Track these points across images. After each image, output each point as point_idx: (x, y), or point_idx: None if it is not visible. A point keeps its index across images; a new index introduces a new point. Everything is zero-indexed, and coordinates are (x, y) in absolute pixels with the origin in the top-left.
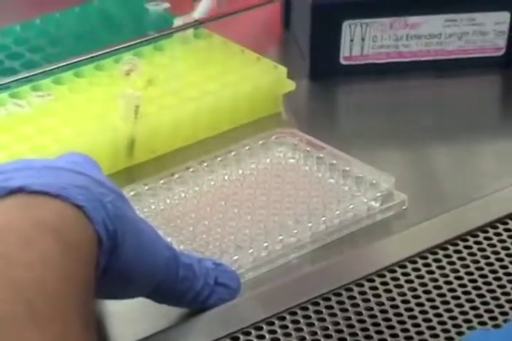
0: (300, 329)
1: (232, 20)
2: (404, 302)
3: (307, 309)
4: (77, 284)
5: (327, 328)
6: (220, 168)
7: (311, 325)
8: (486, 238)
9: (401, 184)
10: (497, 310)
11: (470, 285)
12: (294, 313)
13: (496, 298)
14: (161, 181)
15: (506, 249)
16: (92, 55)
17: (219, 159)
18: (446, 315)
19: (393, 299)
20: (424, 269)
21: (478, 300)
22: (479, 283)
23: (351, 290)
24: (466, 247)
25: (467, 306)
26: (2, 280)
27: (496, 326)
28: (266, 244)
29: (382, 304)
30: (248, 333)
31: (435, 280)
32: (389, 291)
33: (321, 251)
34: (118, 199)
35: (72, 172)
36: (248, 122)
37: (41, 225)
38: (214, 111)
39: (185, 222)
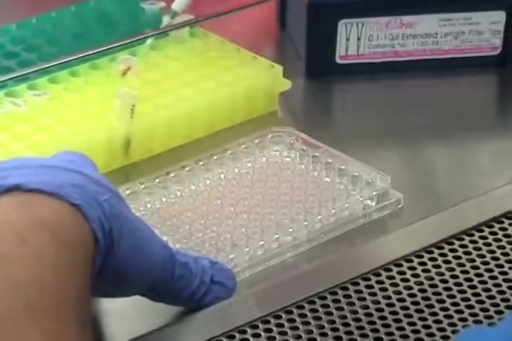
0: (296, 328)
1: (228, 20)
2: (399, 300)
3: (303, 307)
4: (74, 282)
5: (323, 327)
6: (216, 166)
7: (307, 323)
8: (481, 237)
9: (397, 183)
10: (492, 309)
11: (465, 283)
12: (290, 312)
13: (492, 297)
14: (157, 180)
15: (502, 247)
16: (87, 53)
17: (215, 158)
18: (441, 313)
19: (389, 297)
20: (419, 268)
21: (473, 299)
22: (475, 282)
23: (347, 288)
24: (461, 246)
25: (462, 305)
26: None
27: (491, 324)
28: (262, 243)
29: (378, 302)
30: (244, 331)
31: (431, 278)
32: (385, 290)
33: (317, 249)
34: (114, 198)
35: (68, 170)
36: (244, 121)
37: (37, 223)
38: (210, 110)
39: (181, 221)
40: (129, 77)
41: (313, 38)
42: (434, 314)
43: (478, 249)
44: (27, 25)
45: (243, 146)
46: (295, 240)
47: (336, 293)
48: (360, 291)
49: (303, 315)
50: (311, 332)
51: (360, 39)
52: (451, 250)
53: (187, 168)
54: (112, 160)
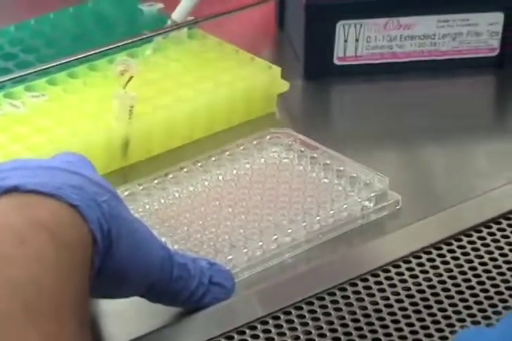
0: (294, 329)
1: (226, 21)
2: (398, 301)
3: (301, 308)
4: (72, 283)
5: (321, 327)
6: (214, 168)
7: (306, 324)
8: (479, 238)
9: (395, 184)
10: (490, 310)
11: (463, 284)
12: (289, 312)
13: (490, 298)
14: (156, 181)
15: (500, 248)
16: (85, 54)
17: (213, 159)
18: (439, 314)
19: (387, 298)
20: (417, 269)
21: (471, 300)
22: (473, 283)
23: (345, 289)
24: (459, 247)
25: (461, 305)
26: None
27: (489, 325)
28: (260, 244)
29: (376, 303)
30: (243, 332)
31: (429, 279)
32: (383, 291)
33: (315, 250)
34: (113, 199)
35: (66, 171)
36: (242, 122)
37: (36, 224)
38: (208, 111)
39: (179, 222)
40: (127, 78)
41: (312, 39)
42: (433, 315)
43: (477, 249)
44: (25, 26)
45: (241, 147)
46: (294, 241)
47: (334, 294)
48: (358, 292)
49: (301, 316)
50: (310, 333)
51: (358, 40)
52: (449, 251)
53: (185, 169)
54: (111, 161)
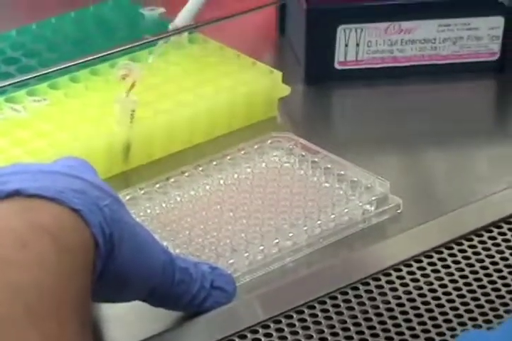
0: (296, 333)
1: (227, 25)
2: (399, 305)
3: (303, 312)
4: (74, 286)
5: (322, 331)
6: (215, 172)
7: (307, 328)
8: (480, 242)
9: (396, 188)
10: (491, 313)
11: (464, 288)
12: (290, 317)
13: (491, 301)
14: (157, 185)
15: (501, 252)
16: (87, 59)
17: (214, 163)
18: (440, 318)
19: (388, 302)
20: (418, 272)
21: (472, 303)
22: (474, 287)
23: (347, 293)
24: (460, 251)
25: (462, 309)
26: (0, 283)
27: (490, 329)
28: (262, 248)
29: (378, 307)
30: (244, 336)
31: (430, 283)
32: (384, 294)
33: (316, 254)
34: (114, 203)
35: (68, 176)
36: (243, 126)
37: (38, 228)
38: (210, 116)
39: (180, 226)
40: (128, 83)
41: (313, 43)
42: (434, 318)
43: (477, 253)
44: (27, 30)
45: (242, 152)
46: (295, 245)
47: (335, 298)
48: (359, 296)
49: (303, 320)
50: (311, 337)
51: (359, 45)
52: (450, 255)
53: (187, 174)
54: (112, 165)
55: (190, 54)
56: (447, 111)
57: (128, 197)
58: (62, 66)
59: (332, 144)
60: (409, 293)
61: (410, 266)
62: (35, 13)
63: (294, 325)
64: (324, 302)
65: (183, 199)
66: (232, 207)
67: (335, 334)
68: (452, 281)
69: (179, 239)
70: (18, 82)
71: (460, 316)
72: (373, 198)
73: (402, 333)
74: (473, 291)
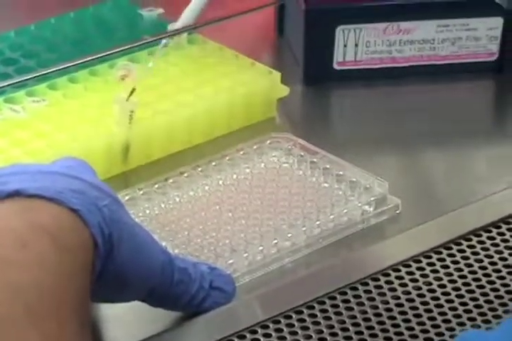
0: (295, 333)
1: (226, 26)
2: (398, 305)
3: (302, 312)
4: (73, 286)
5: (322, 331)
6: (214, 172)
7: (306, 328)
8: (479, 242)
9: (395, 188)
10: (490, 314)
11: (463, 288)
12: (289, 317)
13: (490, 302)
14: (156, 186)
15: (499, 252)
16: (86, 59)
17: (213, 164)
18: (439, 318)
19: (387, 302)
20: (418, 273)
21: (471, 304)
22: (473, 287)
23: (346, 293)
24: (459, 251)
25: (461, 309)
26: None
27: (489, 329)
28: (261, 248)
29: (376, 307)
30: (243, 337)
31: (429, 283)
32: (383, 295)
33: (315, 255)
34: (113, 204)
35: (67, 176)
36: (242, 127)
37: (37, 228)
38: (209, 116)
39: (180, 227)
40: (127, 83)
41: (311, 44)
42: (433, 318)
43: (477, 253)
44: (26, 31)
45: (241, 152)
46: (294, 245)
47: (334, 298)
48: (358, 296)
49: (302, 320)
50: (310, 337)
51: (357, 45)
52: (449, 255)
53: (186, 174)
54: (111, 166)
55: (189, 55)
56: (446, 111)
57: (127, 198)
58: (61, 66)
59: (331, 144)
60: (409, 293)
61: (409, 266)
62: (34, 14)
63: (293, 325)
64: (323, 303)
65: (182, 200)
66: (231, 208)
67: (334, 335)
68: (451, 281)
69: (178, 239)
70: (17, 82)
71: (459, 316)
72: (372, 199)
73: (401, 333)
74: (472, 291)
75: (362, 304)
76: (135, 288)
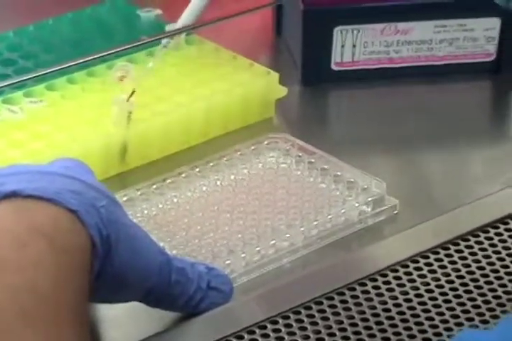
0: (293, 333)
1: (224, 27)
2: (396, 305)
3: (300, 313)
4: (70, 287)
5: (319, 332)
6: (212, 173)
7: (304, 328)
8: (477, 242)
9: (392, 189)
10: (488, 314)
11: (461, 288)
12: (287, 317)
13: (487, 302)
14: (154, 186)
15: (497, 253)
16: (84, 60)
17: (211, 164)
18: (437, 318)
19: (385, 303)
20: (415, 273)
21: (469, 304)
22: (470, 287)
23: (343, 294)
24: (457, 251)
25: (458, 309)
26: None
27: (487, 329)
28: (258, 249)
29: (374, 308)
30: (241, 337)
31: (427, 284)
32: (381, 295)
33: (313, 255)
34: (111, 204)
35: (65, 177)
36: (240, 127)
37: (35, 229)
38: (206, 117)
39: (177, 227)
40: (125, 84)
41: (309, 44)
42: (430, 318)
43: (474, 254)
44: (24, 32)
45: (239, 153)
46: (291, 246)
47: (332, 299)
48: (356, 296)
49: (300, 321)
50: (308, 337)
51: (355, 46)
52: (446, 255)
53: (183, 175)
54: (109, 166)
55: (186, 55)
56: (444, 112)
57: (125, 198)
58: (59, 67)
59: (329, 145)
60: (406, 293)
61: (407, 266)
62: (32, 15)
63: (291, 326)
64: (321, 303)
65: (180, 200)
66: (229, 208)
67: (332, 335)
68: (449, 282)
69: (176, 239)
70: (15, 83)
71: (457, 316)
72: (370, 199)
73: (399, 333)
74: (469, 292)
75: (360, 304)
76: (133, 288)
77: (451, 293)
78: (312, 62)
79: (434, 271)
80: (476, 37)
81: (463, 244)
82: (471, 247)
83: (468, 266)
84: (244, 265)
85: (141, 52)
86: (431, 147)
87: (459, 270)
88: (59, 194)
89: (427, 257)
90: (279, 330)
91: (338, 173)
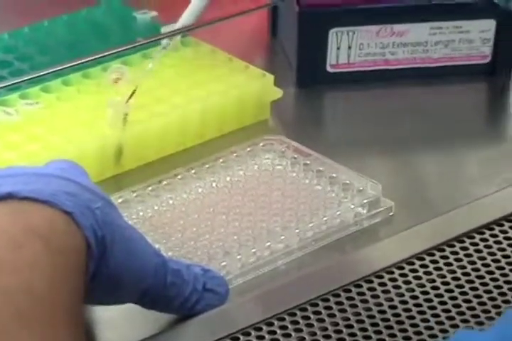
0: (288, 335)
1: (219, 28)
2: (391, 307)
3: (295, 315)
4: (66, 289)
5: (315, 334)
6: (207, 175)
7: (299, 330)
8: (472, 244)
9: (388, 191)
10: (483, 315)
11: (456, 290)
12: (282, 319)
13: (482, 303)
14: (149, 188)
15: (492, 254)
16: (80, 62)
17: (207, 166)
18: (432, 319)
19: (380, 304)
20: (411, 275)
21: (464, 305)
22: (466, 289)
23: (339, 295)
24: (452, 253)
25: (454, 311)
26: None
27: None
28: (254, 250)
29: (370, 309)
30: (236, 339)
31: (422, 285)
32: (376, 297)
33: (308, 257)
34: (106, 206)
35: (60, 178)
36: (236, 129)
37: (30, 231)
38: (202, 119)
39: (173, 229)
40: (120, 86)
41: (304, 46)
42: (426, 320)
43: (469, 255)
44: (19, 34)
45: (235, 154)
46: (287, 248)
47: (327, 300)
48: (351, 298)
49: (295, 322)
50: (303, 339)
51: (350, 47)
52: (442, 257)
53: (179, 176)
54: (105, 168)
55: (182, 57)
56: (439, 113)
57: (120, 200)
58: (55, 69)
59: (324, 147)
60: (402, 295)
61: (402, 268)
62: (27, 16)
63: (286, 328)
64: (316, 305)
65: (176, 202)
66: (225, 210)
67: (327, 337)
68: (444, 283)
69: (171, 241)
70: (10, 85)
71: (452, 318)
72: (365, 201)
73: (394, 335)
74: (465, 293)
75: (355, 306)
76: (128, 290)
77: (446, 295)
78: (307, 63)
79: (429, 273)
80: (471, 39)
81: (458, 245)
82: (466, 249)
83: (464, 267)
84: (239, 267)
85: (137, 54)
86: (426, 148)
87: (454, 271)
88: (54, 196)
89: (423, 259)
90: (274, 332)
91: (334, 175)
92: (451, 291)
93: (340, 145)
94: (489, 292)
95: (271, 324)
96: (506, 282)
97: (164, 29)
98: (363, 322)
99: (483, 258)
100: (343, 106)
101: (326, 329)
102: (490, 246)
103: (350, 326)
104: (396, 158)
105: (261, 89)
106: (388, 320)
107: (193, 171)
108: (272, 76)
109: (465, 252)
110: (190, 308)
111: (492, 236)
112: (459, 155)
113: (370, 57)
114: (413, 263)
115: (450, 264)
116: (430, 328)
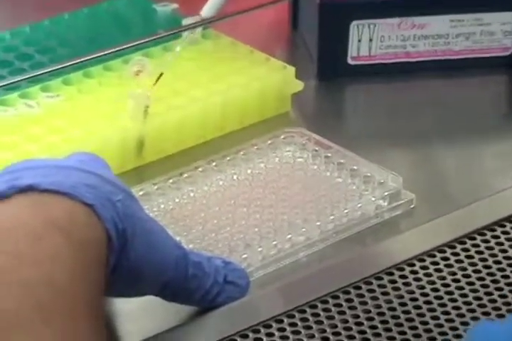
0: (309, 327)
1: (240, 21)
2: (412, 300)
3: (316, 307)
4: (87, 281)
5: (336, 326)
6: (228, 167)
7: (320, 322)
8: (493, 236)
9: (409, 183)
10: (504, 308)
11: (477, 282)
12: (303, 311)
13: (504, 296)
14: (170, 181)
15: None
16: (100, 54)
17: (228, 159)
18: (453, 312)
19: (401, 297)
20: (432, 267)
21: (485, 298)
22: (487, 281)
23: (360, 288)
24: (473, 245)
25: (475, 303)
26: (11, 279)
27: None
28: (275, 243)
29: (391, 302)
30: (257, 331)
31: (443, 278)
32: (397, 289)
33: (329, 249)
34: (127, 198)
35: (81, 171)
36: (257, 122)
37: (51, 223)
38: (223, 111)
39: (194, 221)
40: (141, 78)
41: (325, 39)
42: (447, 313)
43: (490, 248)
44: (40, 27)
45: (256, 147)
46: (308, 240)
47: (348, 293)
48: (372, 290)
49: (316, 315)
50: (324, 331)
51: (371, 40)
52: (463, 249)
53: (200, 169)
54: (126, 161)
55: (203, 49)
56: (459, 106)
57: (141, 193)
58: (76, 61)
59: (345, 139)
60: (423, 287)
61: (423, 260)
62: (47, 10)
63: (307, 320)
64: (337, 297)
65: (197, 195)
66: (246, 202)
67: (348, 329)
68: (465, 276)
69: (192, 234)
70: (31, 77)
71: (473, 311)
72: (386, 193)
73: (415, 327)
74: (486, 286)
75: (376, 298)
76: (149, 282)
77: (467, 288)
78: (328, 56)
79: (450, 266)
80: (492, 31)
81: (479, 238)
82: (487, 241)
83: (485, 260)
84: (260, 259)
85: (158, 47)
86: (447, 141)
87: (475, 264)
88: (75, 188)
89: (444, 251)
90: (295, 324)
91: (355, 168)
92: (472, 284)
93: (361, 138)
94: (511, 284)
95: (292, 316)
96: None
97: (185, 21)
98: (383, 314)
99: (504, 251)
100: (363, 99)
101: (346, 321)
102: (511, 239)
103: (372, 318)
104: (417, 150)
105: (282, 82)
106: (409, 312)
107: (213, 164)
108: (293, 68)
109: (486, 245)
110: (211, 301)
111: None
112: (480, 148)
113: (391, 50)
114: (434, 256)
115: (471, 257)
116: (451, 321)
